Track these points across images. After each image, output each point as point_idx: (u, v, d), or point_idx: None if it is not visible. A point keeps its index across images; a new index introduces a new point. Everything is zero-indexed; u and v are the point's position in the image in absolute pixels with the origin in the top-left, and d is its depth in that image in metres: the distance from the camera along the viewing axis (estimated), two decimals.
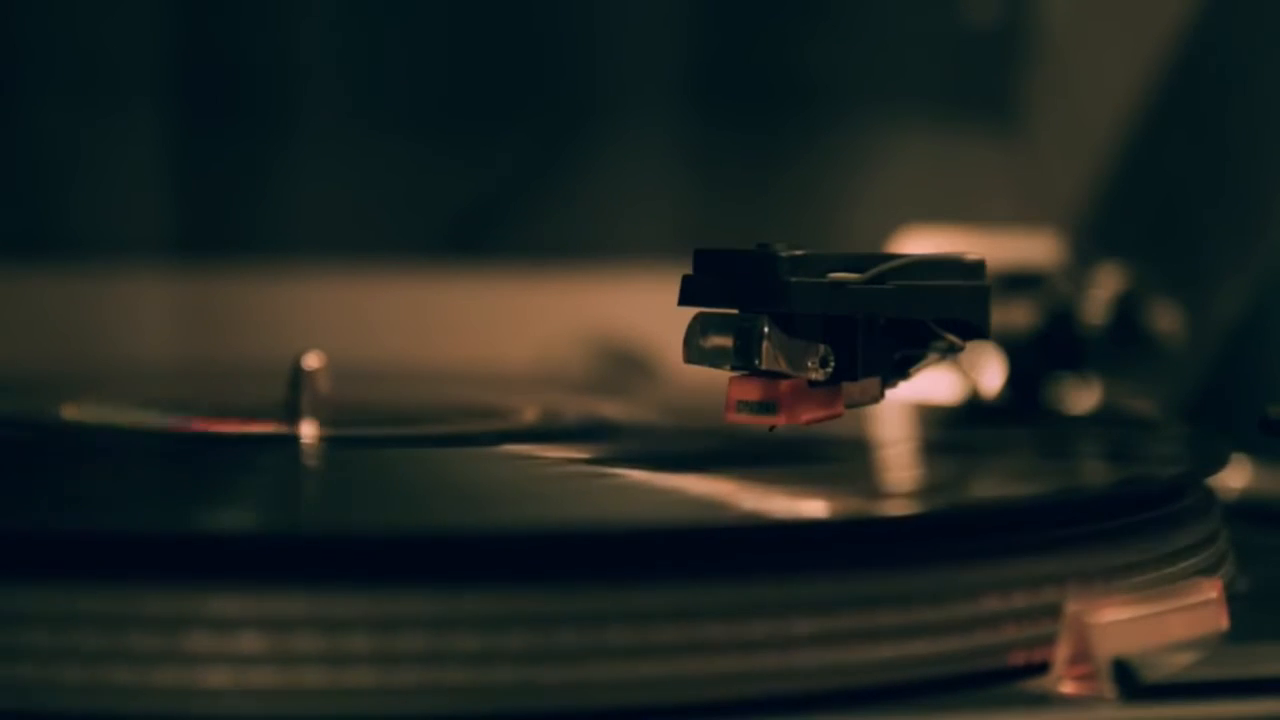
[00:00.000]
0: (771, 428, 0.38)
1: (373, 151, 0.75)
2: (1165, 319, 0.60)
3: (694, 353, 0.38)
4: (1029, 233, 0.64)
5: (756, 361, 0.37)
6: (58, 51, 0.72)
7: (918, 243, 0.63)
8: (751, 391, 0.38)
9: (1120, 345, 0.59)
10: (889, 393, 0.40)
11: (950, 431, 0.50)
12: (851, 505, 0.36)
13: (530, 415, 0.49)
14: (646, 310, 0.69)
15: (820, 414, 0.38)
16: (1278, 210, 0.69)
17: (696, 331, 0.38)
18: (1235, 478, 0.51)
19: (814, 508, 0.35)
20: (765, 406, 0.38)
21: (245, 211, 0.74)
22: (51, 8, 0.72)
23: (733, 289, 0.38)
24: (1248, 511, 0.49)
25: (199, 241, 0.73)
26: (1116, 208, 0.74)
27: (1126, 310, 0.59)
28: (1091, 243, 0.66)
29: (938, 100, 0.79)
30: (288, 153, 0.74)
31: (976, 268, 0.40)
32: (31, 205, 0.73)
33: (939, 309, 0.39)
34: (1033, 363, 0.59)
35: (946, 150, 0.78)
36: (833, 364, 0.38)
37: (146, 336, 0.72)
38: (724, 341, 0.38)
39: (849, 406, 0.39)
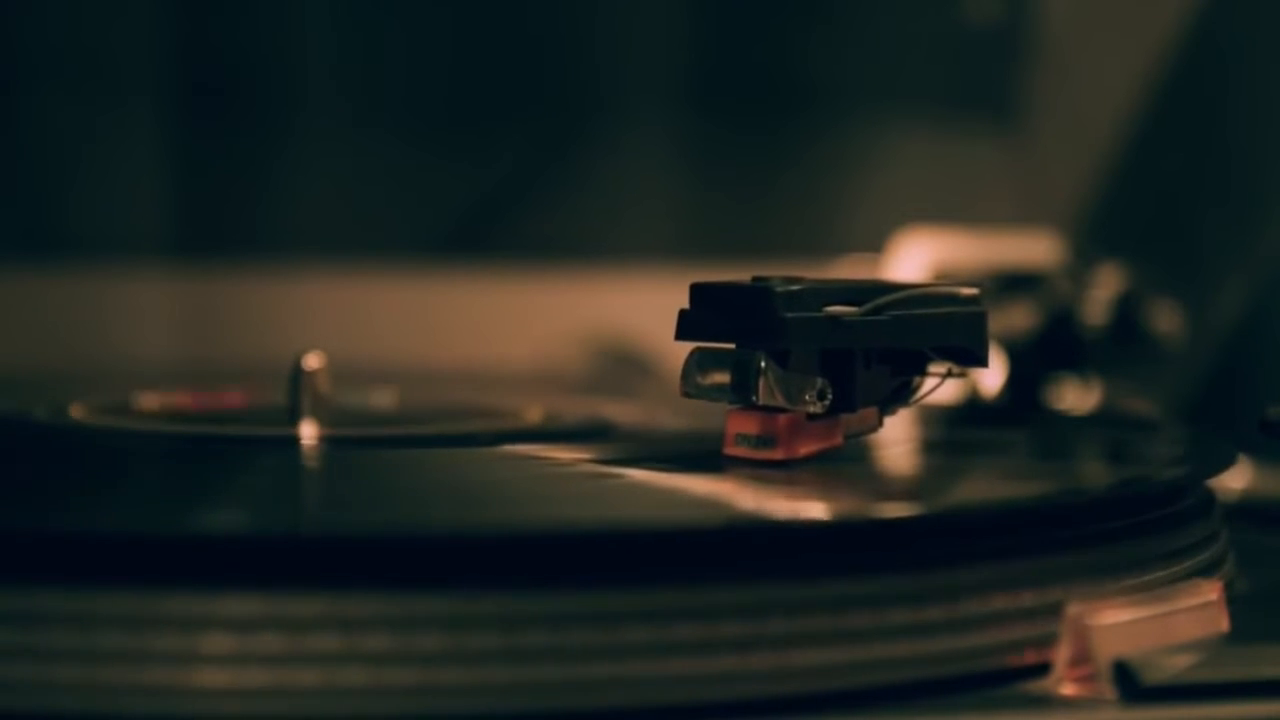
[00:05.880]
0: (770, 462, 0.38)
1: (373, 151, 0.75)
2: (1165, 319, 0.60)
3: (692, 388, 0.39)
4: (1029, 233, 0.64)
5: (754, 397, 0.38)
6: (58, 51, 0.72)
7: (918, 243, 0.63)
8: (749, 425, 0.38)
9: (1120, 345, 0.59)
10: (888, 420, 0.40)
11: (950, 432, 0.50)
12: (852, 506, 0.36)
13: (531, 415, 0.49)
14: (646, 310, 0.69)
15: (818, 446, 0.39)
16: (1277, 210, 0.69)
17: (694, 367, 0.38)
18: (1235, 479, 0.51)
19: (814, 508, 0.35)
20: (763, 440, 0.38)
21: (245, 211, 0.74)
22: (51, 7, 0.72)
23: (729, 324, 0.38)
24: (1248, 512, 0.49)
25: (199, 241, 0.73)
26: (1116, 208, 0.74)
27: (1126, 310, 0.59)
28: (1091, 243, 0.66)
29: (938, 100, 0.79)
30: (288, 153, 0.74)
31: (973, 299, 0.40)
32: (32, 205, 0.73)
33: (937, 337, 0.39)
34: (1033, 363, 0.59)
35: (946, 150, 0.78)
36: (830, 397, 0.38)
37: (146, 336, 0.72)
38: (721, 377, 0.38)
39: (848, 437, 0.39)
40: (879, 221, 0.70)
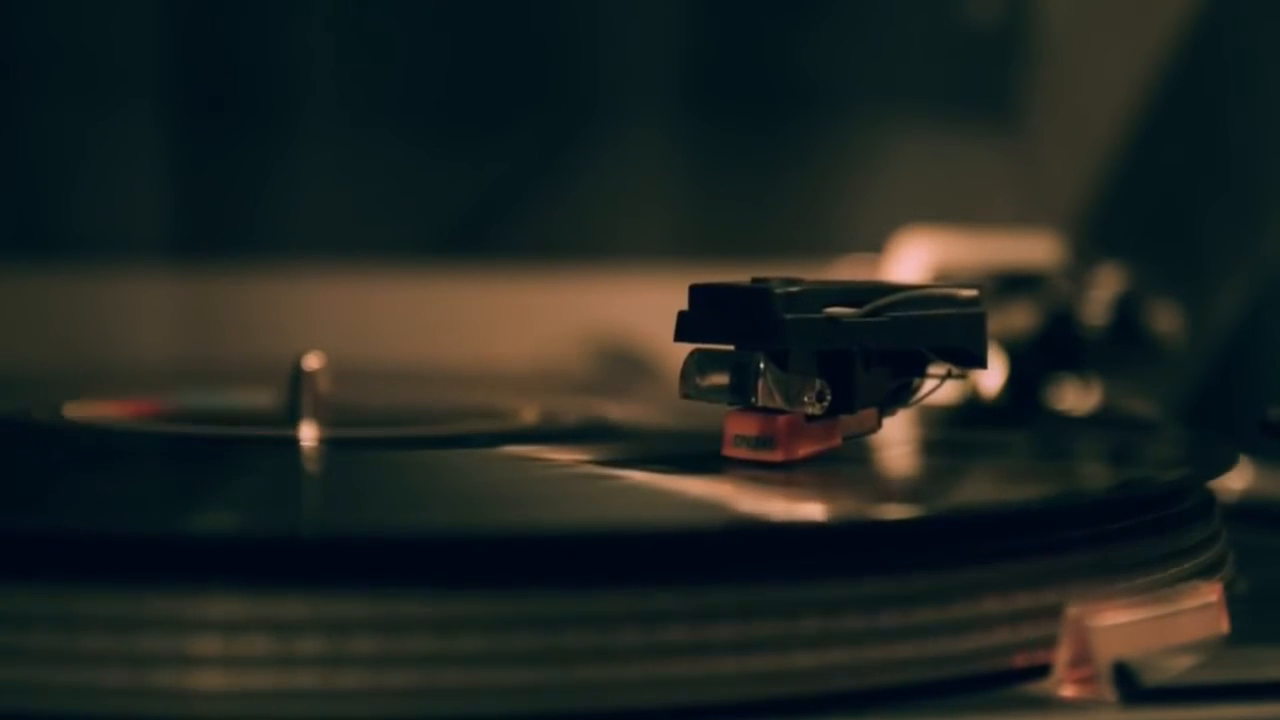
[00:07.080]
0: (769, 463, 0.38)
1: (373, 152, 0.75)
2: (1165, 319, 0.60)
3: (691, 389, 0.39)
4: (1029, 233, 0.64)
5: (753, 399, 0.38)
6: (58, 51, 0.72)
7: (918, 244, 0.63)
8: (749, 426, 0.38)
9: (1120, 346, 0.59)
10: (886, 421, 0.40)
11: (950, 433, 0.50)
12: (852, 507, 0.36)
13: (530, 416, 0.49)
14: (646, 310, 0.69)
15: (817, 447, 0.39)
16: (1277, 210, 0.69)
17: (693, 369, 0.38)
18: (1235, 479, 0.51)
19: (814, 510, 0.35)
20: (762, 442, 0.38)
21: (245, 211, 0.74)
22: (51, 8, 0.72)
23: (728, 325, 0.38)
24: (1248, 513, 0.49)
25: (199, 241, 0.73)
26: (1116, 208, 0.74)
27: (1126, 310, 0.59)
28: (1091, 243, 0.66)
29: (938, 100, 0.79)
30: (287, 153, 0.74)
31: (972, 300, 0.40)
32: (32, 205, 0.73)
33: (936, 338, 0.39)
34: (1033, 363, 0.59)
35: (946, 150, 0.78)
36: (829, 398, 0.38)
37: (146, 336, 0.72)
38: (720, 379, 0.38)
39: (846, 438, 0.39)
40: (879, 221, 0.70)
